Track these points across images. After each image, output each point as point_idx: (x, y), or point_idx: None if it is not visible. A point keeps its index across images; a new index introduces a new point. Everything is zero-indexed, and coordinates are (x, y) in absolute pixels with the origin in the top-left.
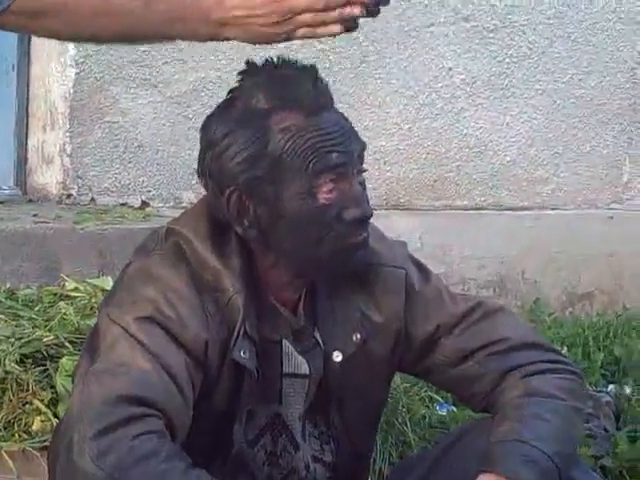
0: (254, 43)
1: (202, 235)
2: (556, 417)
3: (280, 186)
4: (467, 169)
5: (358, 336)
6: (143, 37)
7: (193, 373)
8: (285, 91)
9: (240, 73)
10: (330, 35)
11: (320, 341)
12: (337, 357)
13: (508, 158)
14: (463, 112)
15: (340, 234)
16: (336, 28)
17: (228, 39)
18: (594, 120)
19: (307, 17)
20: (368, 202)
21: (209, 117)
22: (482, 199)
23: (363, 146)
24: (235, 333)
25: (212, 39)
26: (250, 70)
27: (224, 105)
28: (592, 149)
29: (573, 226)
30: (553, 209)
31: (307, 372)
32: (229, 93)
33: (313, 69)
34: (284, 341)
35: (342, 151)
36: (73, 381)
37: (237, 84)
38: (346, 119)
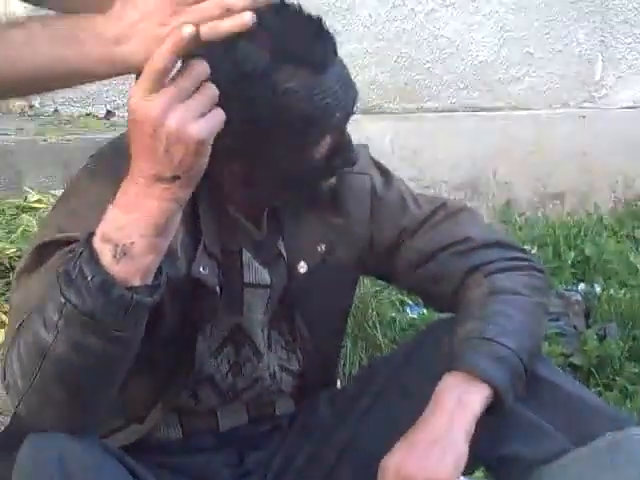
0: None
1: None
2: (520, 314)
3: (278, 143)
4: (438, 71)
5: (323, 247)
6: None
7: None
8: (292, 44)
9: None
10: (238, 28)
11: (284, 252)
12: (302, 268)
13: (480, 59)
14: (434, 13)
15: (321, 176)
16: (247, 17)
17: (124, 62)
18: (566, 18)
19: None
20: (354, 149)
21: (208, 49)
22: (453, 101)
23: (356, 93)
24: (185, 247)
25: (105, 63)
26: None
27: (215, 47)
28: (564, 48)
29: (545, 126)
30: (525, 109)
31: (268, 282)
32: None
33: (319, 20)
34: (244, 251)
35: (343, 108)
36: None
37: None
38: (345, 66)
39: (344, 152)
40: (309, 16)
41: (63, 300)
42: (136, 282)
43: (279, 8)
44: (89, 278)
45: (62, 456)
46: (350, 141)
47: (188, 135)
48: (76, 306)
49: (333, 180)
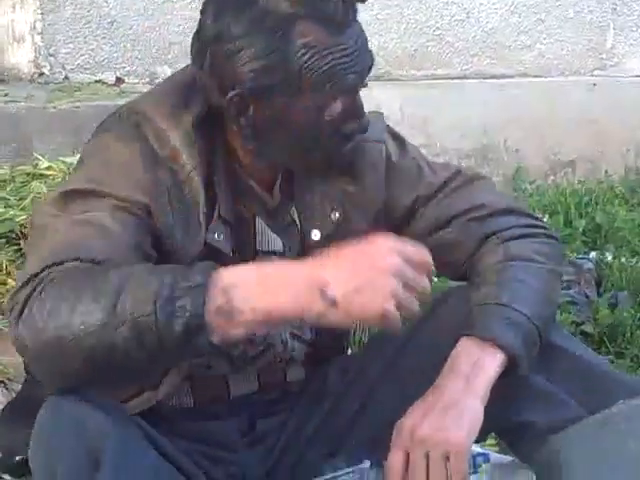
0: None
1: (164, 113)
2: (535, 280)
3: (289, 99)
4: (448, 37)
5: (337, 214)
6: None
7: (139, 222)
8: (314, 0)
9: None
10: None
11: (297, 220)
12: (315, 236)
13: (490, 25)
14: None
15: (333, 143)
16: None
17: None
18: None
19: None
20: (365, 115)
21: (222, 2)
22: (463, 68)
23: (372, 61)
24: (200, 212)
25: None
26: None
27: None
28: (576, 15)
29: (556, 93)
30: (536, 76)
31: (281, 249)
32: None
33: None
34: (257, 218)
35: (358, 71)
36: None
37: None
38: (363, 32)
39: (355, 118)
40: None
41: (151, 310)
42: (217, 341)
43: None
44: (187, 314)
45: (82, 421)
46: (362, 108)
47: None
48: (159, 327)
49: (347, 148)
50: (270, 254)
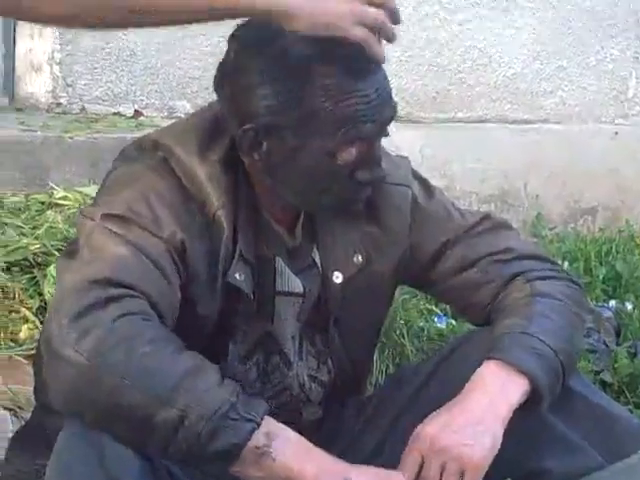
0: None
1: (190, 149)
2: (561, 317)
3: (303, 140)
4: (470, 81)
5: (359, 257)
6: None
7: (177, 261)
8: (334, 43)
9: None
10: None
11: (318, 262)
12: (337, 278)
13: (512, 71)
14: (466, 23)
15: (346, 189)
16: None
17: None
18: (600, 33)
19: None
20: (381, 165)
21: (247, 34)
22: (485, 112)
23: (395, 113)
24: (223, 251)
25: None
26: None
27: (265, 32)
28: (598, 63)
29: (577, 141)
30: (557, 123)
31: (301, 291)
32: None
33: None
34: (277, 259)
35: (376, 120)
36: None
37: None
38: (386, 78)
39: (370, 167)
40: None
41: (205, 416)
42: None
43: None
44: (231, 439)
45: (102, 450)
46: (379, 158)
47: None
48: (200, 433)
49: (361, 195)
50: (289, 295)
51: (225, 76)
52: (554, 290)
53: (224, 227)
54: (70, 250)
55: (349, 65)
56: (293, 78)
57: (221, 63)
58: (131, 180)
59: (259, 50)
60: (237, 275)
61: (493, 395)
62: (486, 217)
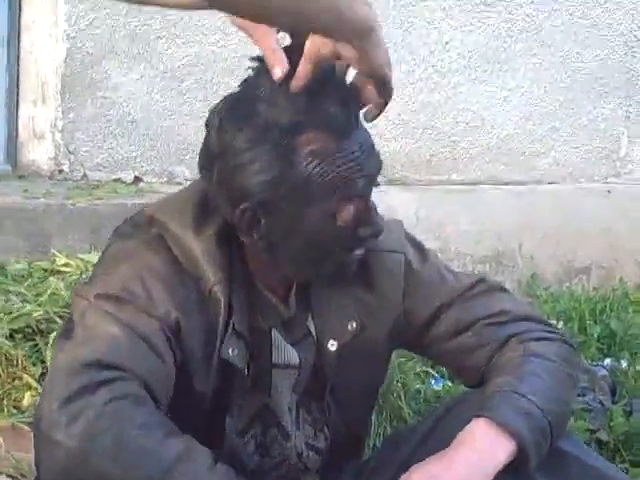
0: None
1: (185, 225)
2: (553, 378)
3: (300, 208)
4: (463, 144)
5: (354, 324)
6: None
7: (171, 340)
8: (312, 107)
9: (254, 69)
10: None
11: (313, 331)
12: (332, 346)
13: (505, 132)
14: (459, 86)
15: (348, 248)
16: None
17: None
18: (591, 94)
19: None
20: (379, 220)
21: (225, 115)
22: (478, 174)
23: (380, 164)
24: (220, 327)
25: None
26: (265, 68)
27: (243, 108)
28: (589, 123)
29: (570, 200)
30: (550, 183)
31: (297, 362)
32: (243, 83)
33: (346, 87)
34: (273, 331)
35: (366, 175)
36: None
37: (252, 80)
38: (366, 130)
39: (368, 222)
40: (337, 82)
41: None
42: None
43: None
44: None
45: None
46: (375, 211)
47: None
48: None
49: (361, 253)
50: (285, 367)
51: (211, 159)
52: (547, 351)
53: (221, 303)
54: (66, 329)
55: (331, 126)
56: (280, 150)
57: (204, 147)
58: (126, 257)
59: (240, 128)
60: (230, 350)
61: (481, 453)
62: (480, 280)
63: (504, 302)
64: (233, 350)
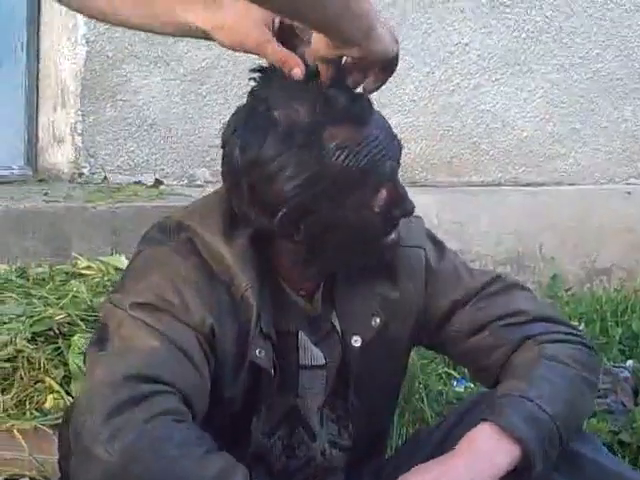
0: None
1: (214, 229)
2: (565, 382)
3: (336, 203)
4: (484, 145)
5: (377, 320)
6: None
7: (206, 351)
8: (327, 103)
9: (257, 79)
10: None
11: (338, 326)
12: (356, 342)
13: (525, 134)
14: (479, 88)
15: (386, 232)
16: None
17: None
18: (612, 95)
19: None
20: (409, 199)
21: (241, 132)
22: (499, 175)
23: (401, 146)
24: (252, 330)
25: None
26: (268, 76)
27: (258, 117)
28: (610, 124)
29: (591, 201)
30: (571, 184)
31: (323, 362)
32: (250, 96)
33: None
34: (300, 333)
35: (393, 157)
36: (84, 362)
37: (258, 91)
38: (384, 119)
39: (401, 203)
40: (343, 74)
41: None
42: None
43: (312, 74)
44: None
45: None
46: (405, 191)
47: None
48: None
49: (394, 236)
50: (312, 368)
51: (238, 177)
52: (562, 353)
53: (253, 307)
54: (100, 339)
55: (350, 118)
56: (308, 150)
57: (226, 166)
58: (157, 264)
59: (262, 139)
60: (257, 352)
61: (482, 457)
62: (497, 278)
63: (522, 301)
64: (260, 352)
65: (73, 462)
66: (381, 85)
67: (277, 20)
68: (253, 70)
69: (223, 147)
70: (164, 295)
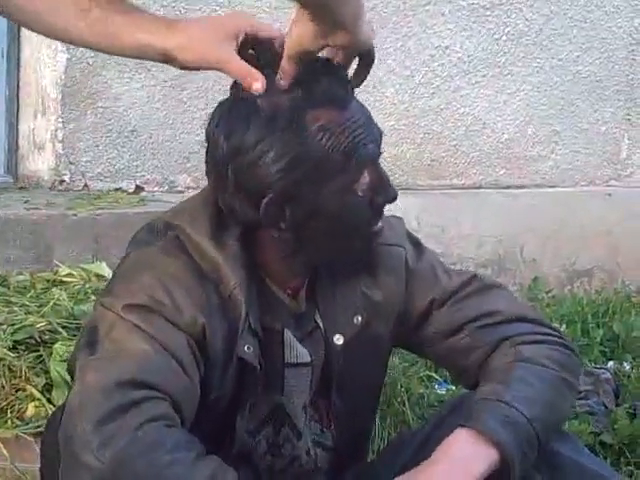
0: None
1: (201, 228)
2: (542, 384)
3: (321, 185)
4: (464, 148)
5: (359, 318)
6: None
7: (197, 354)
8: (309, 87)
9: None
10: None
11: (321, 324)
12: (338, 340)
13: (505, 136)
14: (460, 90)
15: (369, 220)
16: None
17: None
18: (592, 97)
19: None
20: (392, 184)
21: (225, 121)
22: (480, 178)
23: (381, 132)
24: (240, 327)
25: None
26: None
27: (241, 106)
28: (590, 126)
29: (571, 204)
30: (551, 187)
31: (309, 360)
32: (232, 88)
33: (328, 60)
34: (285, 330)
35: (374, 140)
36: (68, 369)
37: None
38: (361, 103)
39: (384, 187)
40: (323, 60)
41: None
42: None
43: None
44: None
45: None
46: (387, 177)
47: None
48: None
49: (379, 227)
50: (297, 366)
51: (222, 165)
52: (539, 354)
53: (242, 305)
54: (89, 342)
55: (331, 101)
56: (290, 133)
57: (211, 157)
58: (146, 265)
59: (246, 126)
60: (245, 347)
61: (460, 463)
62: (473, 277)
63: (498, 301)
64: (248, 347)
65: (62, 467)
66: (364, 79)
67: (241, 36)
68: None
69: (207, 140)
70: (154, 295)
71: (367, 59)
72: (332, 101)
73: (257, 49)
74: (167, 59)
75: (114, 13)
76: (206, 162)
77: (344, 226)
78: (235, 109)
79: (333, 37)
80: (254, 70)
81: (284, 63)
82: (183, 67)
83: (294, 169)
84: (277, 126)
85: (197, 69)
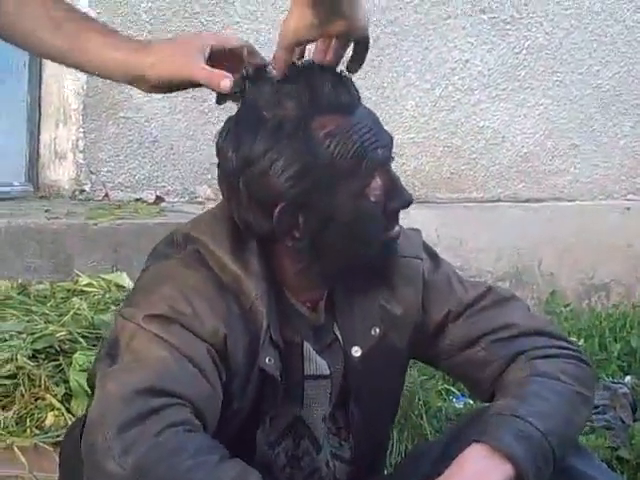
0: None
1: (221, 241)
2: (557, 398)
3: (332, 191)
4: (483, 161)
5: (377, 330)
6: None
7: (218, 364)
8: (314, 94)
9: (245, 79)
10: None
11: (339, 336)
12: (356, 352)
13: (525, 150)
14: (480, 104)
15: (384, 226)
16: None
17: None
18: (611, 111)
19: None
20: (405, 189)
21: (233, 133)
22: (498, 191)
23: (391, 136)
24: (262, 339)
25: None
26: (257, 75)
27: (248, 118)
28: (609, 140)
29: (590, 217)
30: (570, 200)
31: (328, 372)
32: (241, 102)
33: (334, 68)
34: (305, 343)
35: (384, 145)
36: (88, 381)
37: (248, 96)
38: (370, 110)
39: (397, 192)
40: (324, 66)
41: None
42: None
43: (295, 67)
44: None
45: None
46: (399, 181)
47: None
48: None
49: (396, 233)
50: (317, 378)
51: (234, 177)
52: (554, 369)
53: (263, 316)
54: (111, 353)
55: (337, 107)
56: (298, 141)
57: (222, 170)
58: (166, 277)
59: (253, 136)
60: (267, 359)
61: (474, 478)
62: (489, 290)
63: (514, 313)
64: (269, 359)
65: (85, 476)
66: (361, 64)
67: (207, 50)
68: (243, 78)
69: (218, 154)
70: (176, 305)
71: (363, 45)
72: (338, 107)
73: (229, 60)
74: (135, 80)
75: (88, 30)
76: (218, 177)
77: (359, 233)
78: (242, 121)
79: (331, 25)
80: (218, 71)
81: (279, 53)
82: (153, 87)
83: (304, 176)
84: (284, 134)
85: (166, 87)
